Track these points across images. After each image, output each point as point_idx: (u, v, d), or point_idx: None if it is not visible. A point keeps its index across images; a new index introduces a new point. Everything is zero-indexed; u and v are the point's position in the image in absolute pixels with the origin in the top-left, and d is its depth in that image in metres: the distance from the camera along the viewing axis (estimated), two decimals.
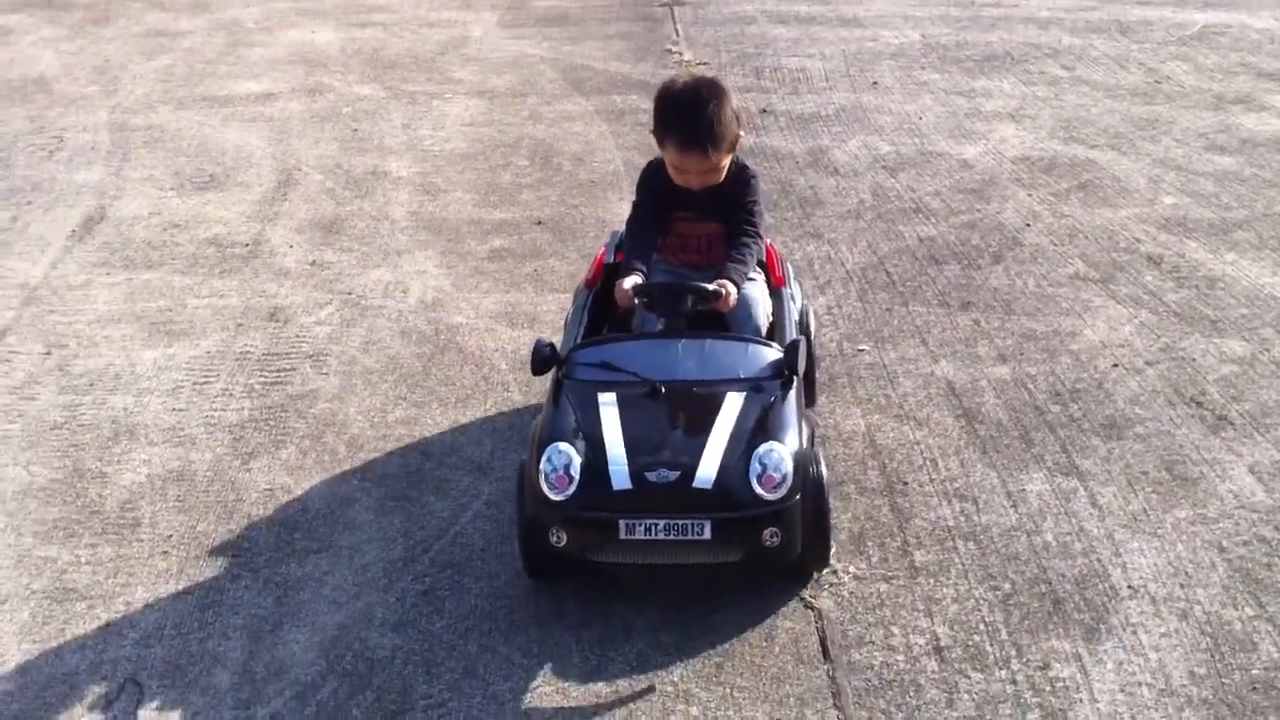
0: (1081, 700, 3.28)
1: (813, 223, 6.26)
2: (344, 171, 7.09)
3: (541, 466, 3.37)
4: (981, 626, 3.54)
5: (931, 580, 3.72)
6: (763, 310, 4.04)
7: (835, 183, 6.78)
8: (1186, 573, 3.73)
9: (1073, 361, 4.92)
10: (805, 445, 3.51)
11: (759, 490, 3.34)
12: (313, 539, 3.98)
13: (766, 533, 3.35)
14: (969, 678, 3.36)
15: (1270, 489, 4.10)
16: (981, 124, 7.68)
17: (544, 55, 9.36)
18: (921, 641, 3.47)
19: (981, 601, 3.64)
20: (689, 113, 3.84)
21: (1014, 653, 3.44)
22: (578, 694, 3.32)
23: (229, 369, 5.00)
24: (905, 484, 4.17)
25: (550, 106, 8.16)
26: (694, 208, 4.02)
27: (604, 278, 4.22)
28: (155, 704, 3.33)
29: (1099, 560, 3.79)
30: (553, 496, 3.35)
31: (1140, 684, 3.33)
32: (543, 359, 3.68)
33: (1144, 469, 4.23)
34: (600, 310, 4.18)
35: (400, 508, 4.12)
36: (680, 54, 9.26)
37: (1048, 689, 3.32)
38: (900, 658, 3.42)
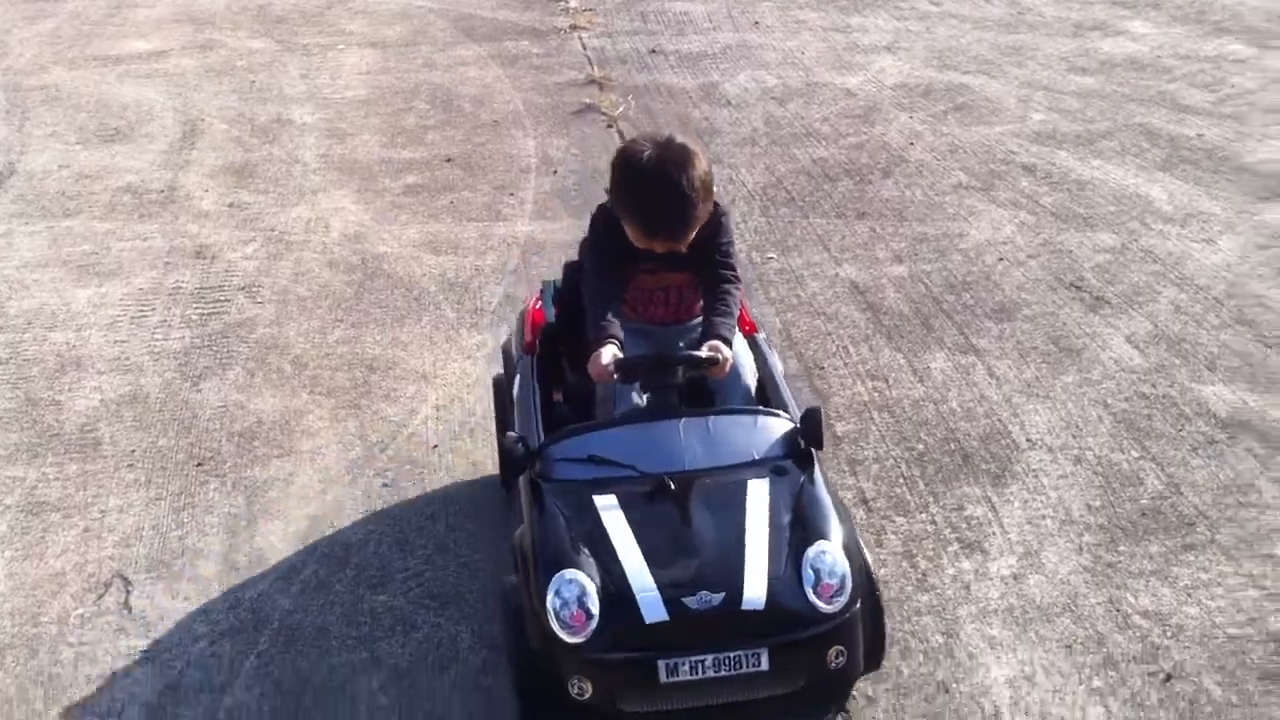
0: (994, 534, 3.68)
1: (712, 150, 6.58)
2: (248, 120, 7.20)
3: (550, 603, 2.73)
4: (901, 481, 3.92)
5: (853, 446, 4.09)
6: (749, 369, 3.37)
7: (729, 114, 7.11)
8: (1077, 426, 4.16)
9: (962, 258, 5.34)
10: (851, 536, 2.91)
11: (817, 603, 2.76)
12: (273, 446, 4.19)
13: (831, 653, 2.78)
14: (894, 521, 3.74)
15: (1146, 354, 4.56)
16: (860, 56, 8.08)
17: (432, 6, 9.50)
18: (849, 496, 3.84)
19: (900, 460, 4.02)
20: (654, 196, 3.16)
21: (931, 499, 3.83)
22: None
23: (164, 303, 5.15)
24: (822, 368, 4.54)
25: (444, 54, 8.34)
26: (658, 259, 3.29)
27: (541, 338, 3.57)
28: (145, 593, 3.54)
29: (1000, 421, 4.20)
30: (569, 639, 2.71)
31: (1044, 517, 3.74)
32: (516, 461, 3.02)
33: (1033, 344, 4.66)
34: (548, 380, 3.51)
35: (353, 415, 4.35)
36: (567, 1, 9.49)
37: (964, 526, 3.71)
38: None
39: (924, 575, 3.50)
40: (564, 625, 2.71)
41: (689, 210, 3.16)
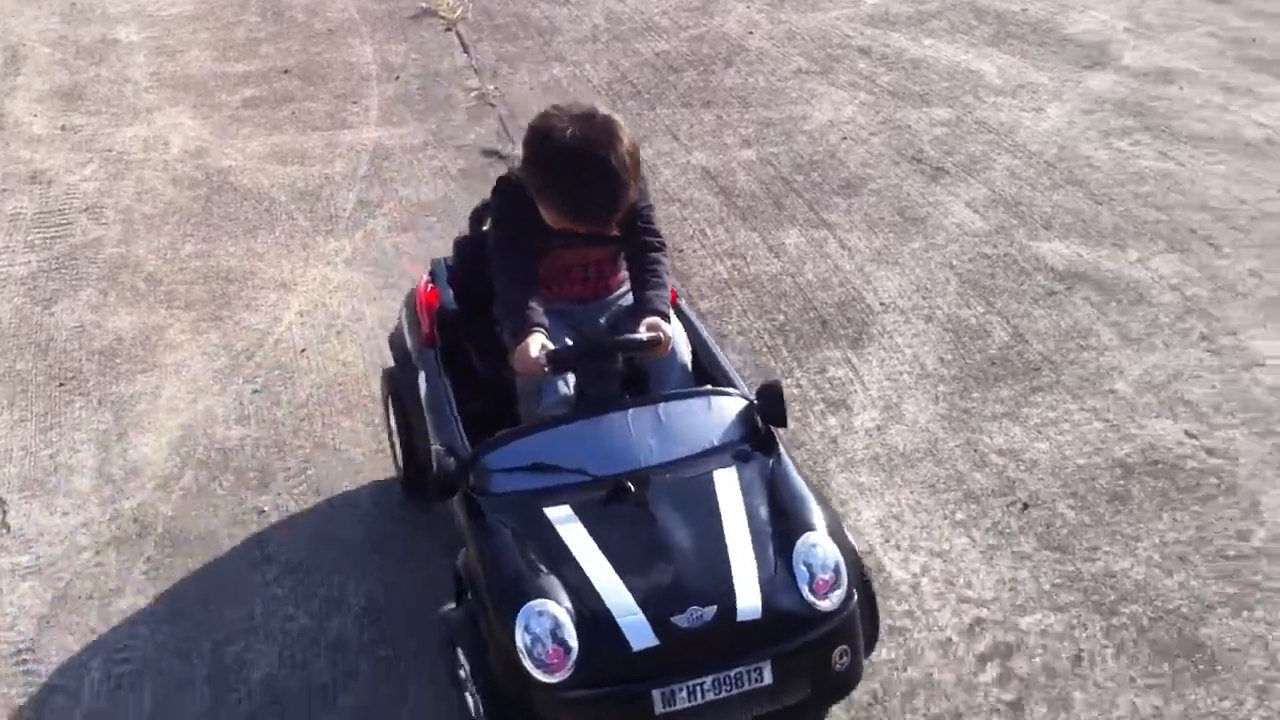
0: (856, 391, 3.85)
1: (554, 48, 6.58)
2: (71, 43, 6.92)
3: (520, 641, 2.38)
4: (765, 349, 4.07)
5: (717, 321, 4.21)
6: (684, 342, 3.00)
7: (568, 11, 7.10)
8: (926, 288, 4.35)
9: (807, 139, 5.48)
10: (834, 521, 2.64)
11: (816, 602, 2.49)
12: (135, 362, 4.13)
13: (836, 654, 2.51)
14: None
15: (985, 218, 4.78)
16: None
17: None
18: None
19: (762, 331, 4.16)
20: (579, 177, 2.80)
21: (795, 365, 3.98)
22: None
23: (4, 230, 4.98)
24: (681, 251, 4.64)
25: None
26: (578, 235, 2.92)
27: (440, 326, 3.14)
28: (22, 512, 3.49)
29: (854, 288, 4.37)
30: (547, 679, 2.38)
31: (901, 373, 3.93)
32: (448, 476, 2.62)
33: (880, 215, 4.83)
34: (455, 375, 3.05)
35: (214, 326, 4.31)
36: None
37: (828, 387, 3.88)
38: None
39: (794, 434, 3.66)
40: (539, 664, 2.36)
41: (620, 192, 2.79)
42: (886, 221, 4.79)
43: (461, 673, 2.60)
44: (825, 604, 2.48)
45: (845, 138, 5.47)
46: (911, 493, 3.44)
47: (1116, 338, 4.07)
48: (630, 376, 2.88)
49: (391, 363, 3.40)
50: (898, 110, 5.71)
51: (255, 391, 3.95)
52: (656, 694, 2.36)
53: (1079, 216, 4.77)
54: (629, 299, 3.03)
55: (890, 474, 3.51)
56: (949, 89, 5.92)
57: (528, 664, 2.37)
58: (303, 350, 4.14)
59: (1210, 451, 3.56)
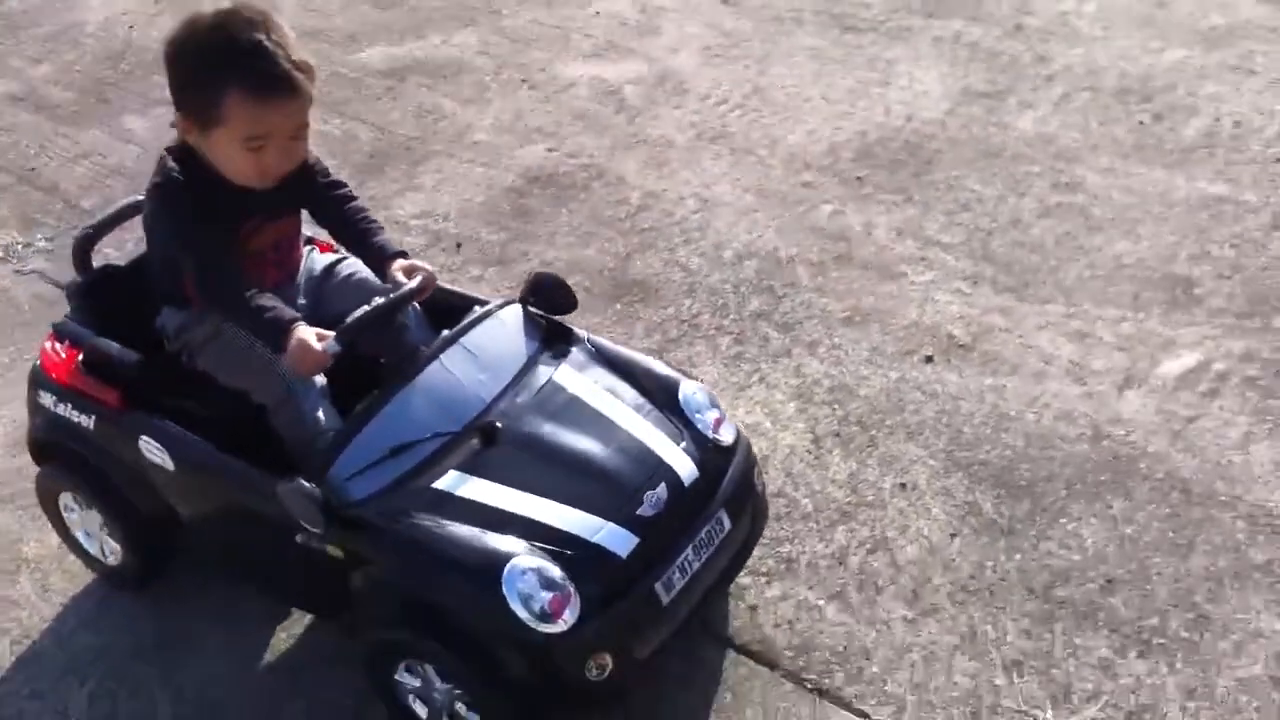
0: None
1: None
2: None
3: (516, 608, 2.25)
4: None
5: None
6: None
7: None
8: None
9: (94, 38, 5.49)
10: (666, 364, 2.72)
11: (721, 439, 2.56)
12: None
13: (755, 475, 2.63)
14: None
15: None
16: None
17: None
18: None
19: None
20: (253, 39, 2.36)
21: None
22: None
23: None
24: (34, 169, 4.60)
25: None
26: (259, 209, 2.57)
27: (121, 382, 2.69)
28: None
29: None
30: (559, 629, 2.26)
31: None
32: (316, 505, 2.32)
33: None
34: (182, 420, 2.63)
35: None
36: None
37: None
38: None
39: None
40: (544, 618, 2.25)
41: (297, 52, 2.38)
42: None
43: (419, 707, 2.46)
44: (728, 437, 2.56)
45: (132, 27, 5.57)
46: None
47: (458, 104, 4.68)
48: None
49: (39, 465, 2.93)
50: None
51: None
52: (658, 587, 2.34)
53: (378, 24, 5.31)
54: (323, 270, 2.78)
55: None
56: None
57: (534, 624, 2.24)
58: None
59: (571, 155, 4.30)
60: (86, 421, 2.73)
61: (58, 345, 2.79)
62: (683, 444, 2.49)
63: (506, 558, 2.26)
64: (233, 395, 2.57)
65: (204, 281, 2.49)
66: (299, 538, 2.39)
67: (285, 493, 2.32)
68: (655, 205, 3.99)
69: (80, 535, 2.96)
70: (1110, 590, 2.63)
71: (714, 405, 2.60)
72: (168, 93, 2.43)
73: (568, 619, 2.25)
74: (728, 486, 2.49)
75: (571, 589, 2.26)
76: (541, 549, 2.29)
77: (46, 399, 2.80)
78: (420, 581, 2.33)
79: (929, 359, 3.27)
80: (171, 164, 2.48)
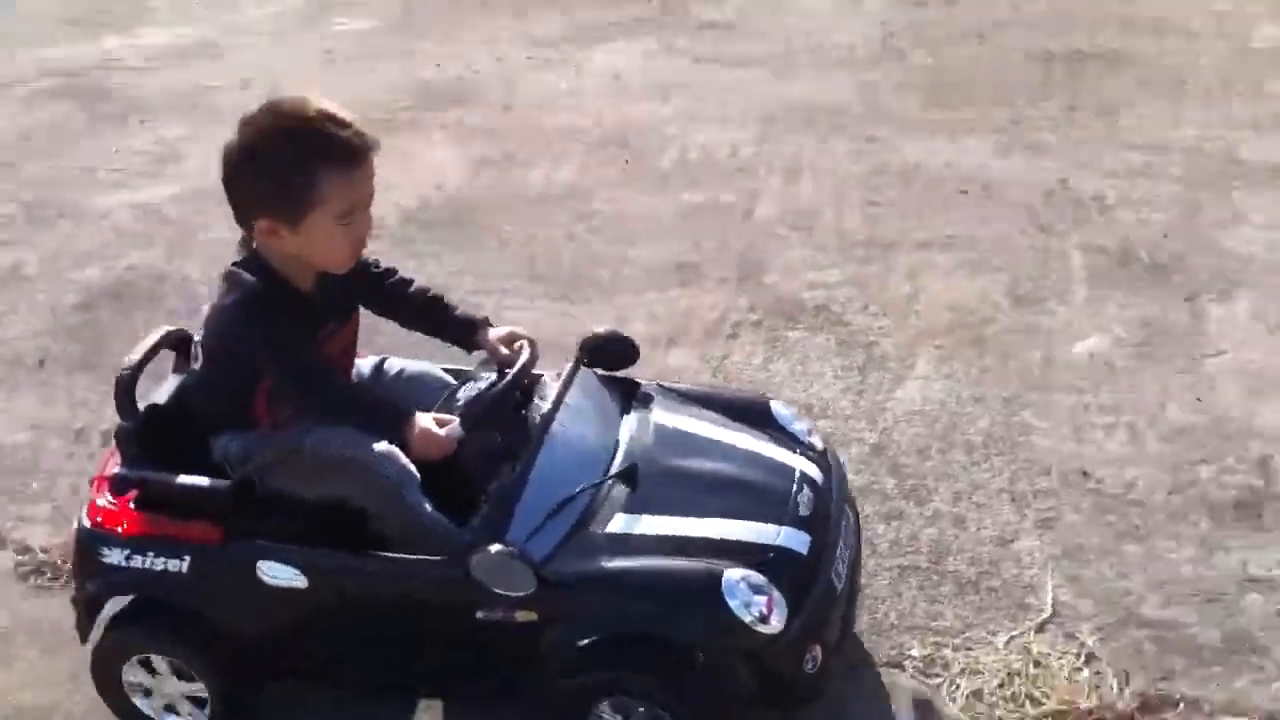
0: None
1: None
2: None
3: (740, 615, 2.35)
4: None
5: None
6: None
7: None
8: None
9: None
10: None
11: (815, 441, 2.78)
12: None
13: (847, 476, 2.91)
14: None
15: None
16: None
17: None
18: None
19: None
20: (321, 113, 2.38)
21: None
22: None
23: None
24: None
25: None
26: (330, 314, 2.55)
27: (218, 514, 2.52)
28: None
29: None
30: (776, 628, 2.37)
31: None
32: (529, 569, 2.35)
33: None
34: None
35: None
36: None
37: None
38: None
39: None
40: (764, 622, 2.36)
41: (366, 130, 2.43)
42: None
43: None
44: (819, 443, 2.78)
45: None
46: None
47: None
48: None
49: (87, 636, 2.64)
50: None
51: None
52: (833, 576, 2.52)
53: None
54: (372, 371, 2.74)
55: None
56: None
57: (758, 627, 2.35)
58: None
59: (130, 268, 4.50)
60: (178, 565, 2.52)
61: (109, 498, 2.57)
62: (797, 450, 2.69)
63: (719, 573, 2.36)
64: (316, 506, 2.49)
65: (307, 385, 2.46)
66: (480, 613, 2.39)
67: (487, 563, 2.34)
68: None
69: (146, 705, 2.67)
70: None
71: (798, 416, 2.84)
72: None
73: (778, 621, 2.37)
74: (840, 483, 2.72)
75: (774, 590, 2.38)
76: (732, 561, 2.40)
77: (113, 556, 2.55)
78: (636, 618, 2.39)
79: None
80: (248, 277, 2.42)
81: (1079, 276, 4.05)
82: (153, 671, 2.61)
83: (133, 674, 2.61)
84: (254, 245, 2.45)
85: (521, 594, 2.35)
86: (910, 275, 4.12)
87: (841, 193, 4.62)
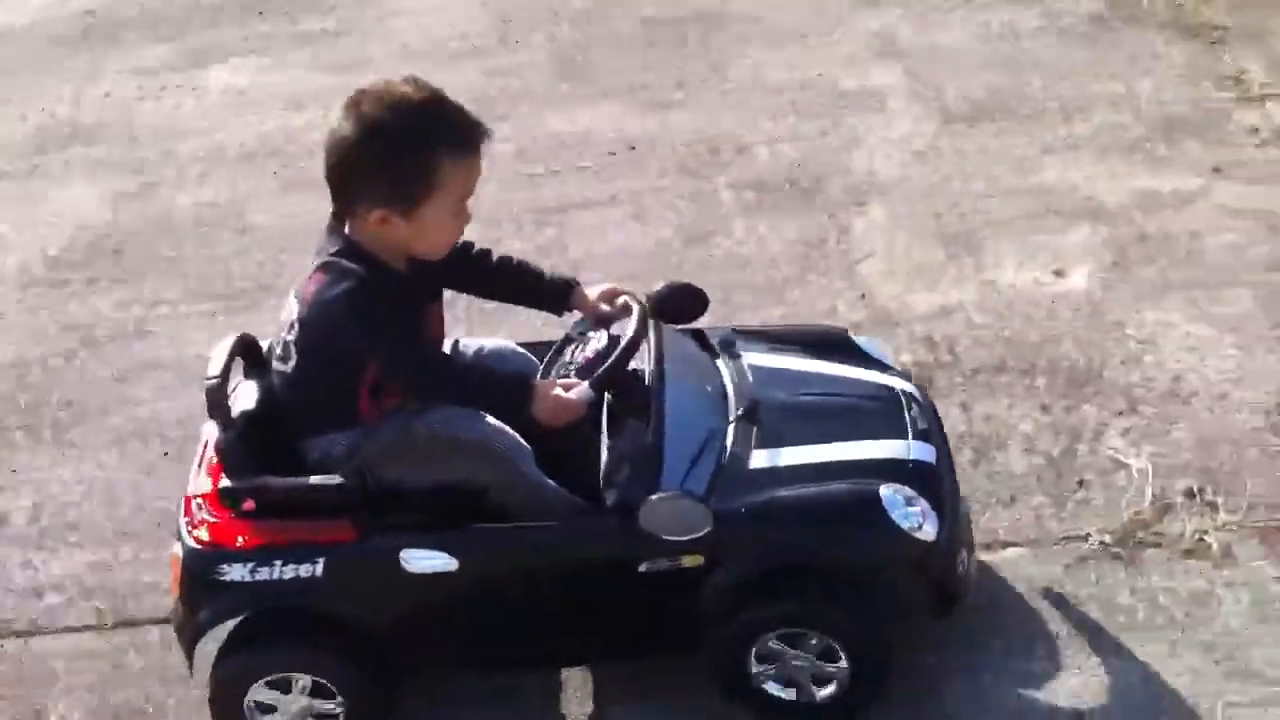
0: None
1: None
2: None
3: (902, 523, 2.44)
4: None
5: None
6: None
7: None
8: None
9: None
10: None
11: (898, 366, 2.96)
12: None
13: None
14: None
15: None
16: None
17: None
18: None
19: None
20: (436, 96, 2.40)
21: None
22: None
23: None
24: None
25: None
26: (425, 295, 2.57)
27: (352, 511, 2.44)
28: None
29: None
30: (931, 535, 2.47)
31: None
32: (704, 508, 2.42)
33: None
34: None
35: None
36: None
37: None
38: None
39: None
40: (921, 530, 2.47)
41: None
42: None
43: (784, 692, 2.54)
44: (898, 365, 2.97)
45: None
46: None
47: None
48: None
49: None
50: None
51: None
52: (956, 481, 2.69)
53: None
54: (452, 351, 2.67)
55: None
56: None
57: (919, 535, 2.45)
58: None
59: None
60: (311, 570, 2.43)
61: (210, 513, 2.45)
62: (889, 372, 2.80)
63: (875, 489, 2.46)
64: (434, 489, 2.44)
65: (428, 369, 2.44)
66: (644, 566, 2.39)
67: (658, 510, 2.35)
68: None
69: None
70: None
71: (873, 341, 2.96)
72: None
73: (933, 525, 2.48)
74: (926, 400, 2.83)
75: (923, 501, 2.49)
76: (878, 475, 2.50)
77: (234, 572, 2.43)
78: (802, 546, 2.47)
79: None
80: (351, 265, 2.36)
81: (735, 211, 4.36)
82: (284, 689, 2.52)
83: (259, 694, 2.51)
84: (346, 232, 2.41)
85: (699, 534, 2.37)
86: (588, 234, 4.30)
87: (495, 169, 4.72)
